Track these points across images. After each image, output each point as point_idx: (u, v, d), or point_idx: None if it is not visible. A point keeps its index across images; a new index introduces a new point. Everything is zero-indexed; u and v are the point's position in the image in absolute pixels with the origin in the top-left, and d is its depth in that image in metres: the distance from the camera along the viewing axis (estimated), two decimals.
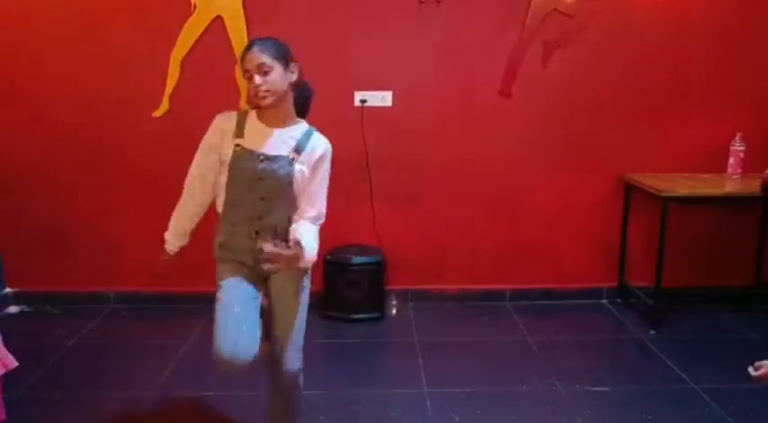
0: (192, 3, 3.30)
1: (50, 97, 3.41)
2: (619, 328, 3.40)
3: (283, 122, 1.97)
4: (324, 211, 2.04)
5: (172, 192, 3.48)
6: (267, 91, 1.87)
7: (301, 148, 1.94)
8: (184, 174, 3.48)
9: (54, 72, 3.39)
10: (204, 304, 3.64)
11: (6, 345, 2.13)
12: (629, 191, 3.54)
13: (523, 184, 3.58)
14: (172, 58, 3.35)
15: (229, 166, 1.93)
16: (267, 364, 2.14)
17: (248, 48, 1.91)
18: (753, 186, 3.21)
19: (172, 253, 2.18)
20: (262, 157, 1.91)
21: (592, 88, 3.46)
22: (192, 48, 3.35)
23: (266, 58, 1.87)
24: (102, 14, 3.32)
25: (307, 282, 2.10)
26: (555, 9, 3.36)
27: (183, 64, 3.36)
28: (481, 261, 3.67)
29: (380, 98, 3.44)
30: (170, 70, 3.36)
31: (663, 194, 3.13)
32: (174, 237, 2.18)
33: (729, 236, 3.65)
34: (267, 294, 2.08)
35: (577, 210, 3.61)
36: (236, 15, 3.30)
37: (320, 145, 1.98)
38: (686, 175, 3.47)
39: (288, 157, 1.93)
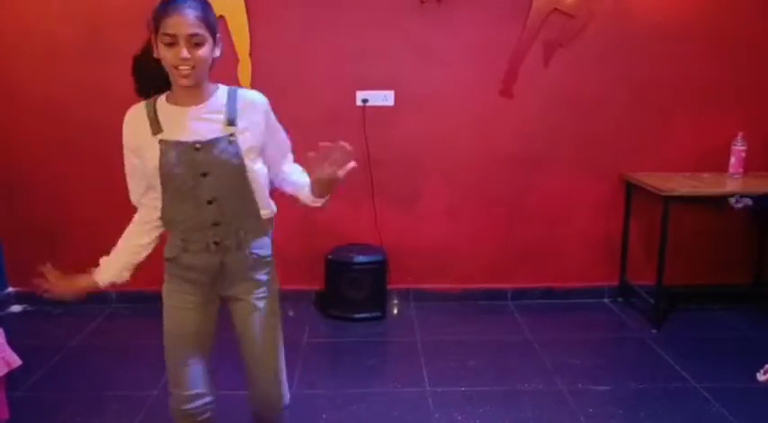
0: None
1: (53, 98, 3.42)
2: (620, 326, 3.41)
3: (203, 96, 1.59)
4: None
5: None
6: (193, 68, 1.50)
7: (234, 116, 1.58)
8: None
9: (57, 72, 3.39)
10: None
11: (9, 344, 2.14)
12: (631, 190, 3.54)
13: (525, 184, 3.58)
14: None
15: (159, 170, 1.56)
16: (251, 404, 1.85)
17: (175, 4, 1.48)
18: (755, 186, 3.21)
19: (101, 286, 1.87)
20: (197, 146, 1.54)
21: (593, 88, 3.47)
22: None
23: (201, 28, 1.49)
24: (104, 14, 3.33)
25: (275, 286, 1.78)
26: (556, 9, 3.36)
27: None
28: (483, 260, 3.67)
29: (382, 98, 3.44)
30: None
31: (664, 194, 3.13)
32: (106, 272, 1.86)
33: (730, 235, 3.65)
34: (232, 316, 1.76)
35: (579, 209, 3.62)
36: (239, 15, 3.30)
37: (252, 99, 1.62)
38: (687, 174, 3.47)
39: (225, 136, 1.56)
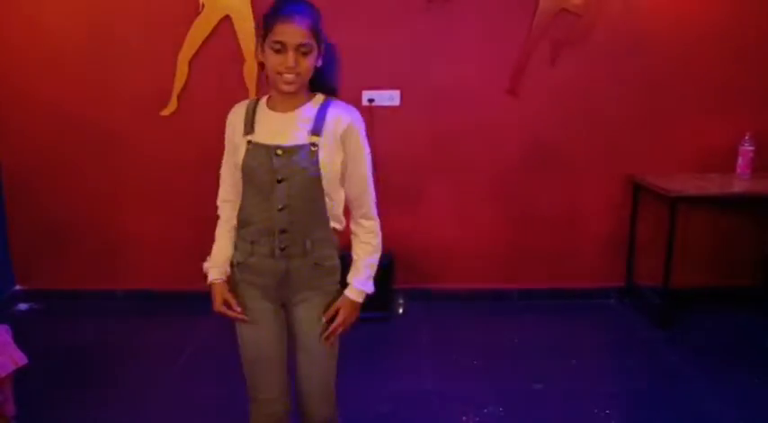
0: (201, 2, 3.31)
1: (59, 97, 3.44)
2: (627, 327, 3.39)
3: (297, 103, 1.62)
4: (374, 208, 1.71)
5: (180, 190, 3.54)
6: (298, 76, 1.53)
7: (320, 128, 1.58)
8: (192, 172, 3.53)
9: (63, 72, 3.41)
10: (212, 302, 3.67)
11: (16, 342, 2.15)
12: (638, 190, 3.52)
13: (531, 183, 3.57)
14: (180, 57, 3.36)
15: (242, 167, 1.62)
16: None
17: (292, 13, 1.50)
18: (762, 186, 3.19)
19: (216, 283, 1.74)
20: (278, 151, 1.57)
21: (600, 88, 3.45)
22: (201, 47, 3.36)
23: (310, 37, 1.51)
24: (111, 14, 3.34)
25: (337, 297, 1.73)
26: (563, 8, 3.35)
27: (191, 63, 3.38)
28: (489, 260, 3.66)
29: (388, 97, 3.44)
30: (178, 70, 3.37)
31: (671, 194, 3.12)
32: (214, 267, 1.75)
33: (738, 236, 3.63)
34: (291, 324, 1.74)
35: (586, 209, 3.60)
36: (245, 15, 3.31)
37: (342, 115, 1.61)
38: (695, 174, 3.46)
39: (307, 144, 1.57)
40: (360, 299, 1.72)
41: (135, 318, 3.50)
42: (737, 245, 3.64)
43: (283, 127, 1.60)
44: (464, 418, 2.49)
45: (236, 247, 1.72)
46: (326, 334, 1.68)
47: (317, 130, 1.58)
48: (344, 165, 1.64)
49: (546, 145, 3.52)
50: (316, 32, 1.53)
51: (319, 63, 1.59)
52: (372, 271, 1.72)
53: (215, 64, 3.38)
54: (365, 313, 1.80)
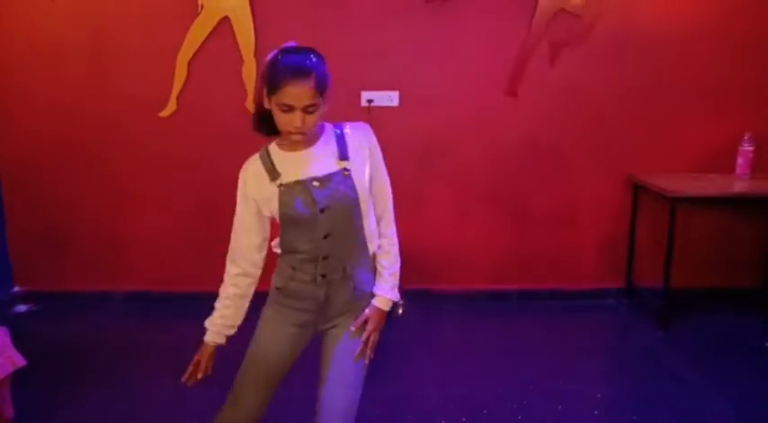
0: (200, 3, 3.31)
1: (59, 99, 3.43)
2: (627, 328, 3.39)
3: (311, 139, 1.64)
4: (394, 225, 1.82)
5: (179, 192, 3.54)
6: (305, 132, 1.56)
7: (345, 152, 1.64)
8: (192, 173, 3.53)
9: (63, 72, 3.41)
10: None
11: (14, 343, 2.15)
12: (637, 191, 3.52)
13: (531, 184, 3.57)
14: (179, 58, 3.36)
15: (279, 210, 1.62)
16: None
17: (296, 76, 1.49)
18: (762, 187, 3.19)
19: (208, 344, 1.79)
20: (315, 182, 1.60)
21: (599, 88, 3.45)
22: (200, 48, 3.36)
23: (317, 96, 1.52)
24: (110, 15, 3.34)
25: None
26: (562, 9, 3.35)
27: (190, 64, 3.37)
28: (488, 261, 3.66)
29: (387, 98, 3.44)
30: (177, 70, 3.37)
31: (671, 195, 3.11)
32: (213, 331, 1.77)
33: (738, 236, 3.63)
34: (323, 345, 1.75)
35: (585, 210, 3.60)
36: (244, 16, 3.31)
37: (359, 136, 1.68)
38: (694, 175, 3.46)
39: (339, 170, 1.62)
40: (387, 307, 1.77)
41: (134, 319, 3.49)
42: (737, 245, 3.64)
43: (308, 162, 1.62)
44: (464, 419, 2.49)
45: (277, 272, 1.74)
46: (362, 344, 1.71)
47: (343, 156, 1.63)
48: (370, 179, 1.69)
49: (545, 145, 3.52)
50: (323, 88, 1.55)
51: (325, 109, 1.60)
52: (397, 280, 1.78)
53: (214, 65, 3.37)
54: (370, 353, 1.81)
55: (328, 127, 1.69)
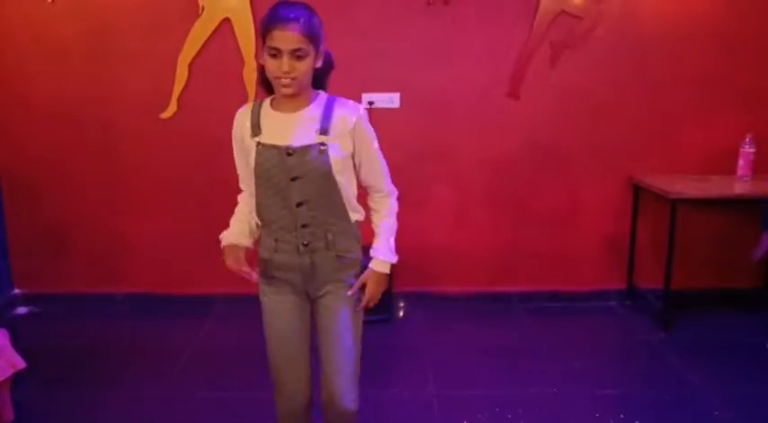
0: (200, 5, 3.31)
1: (60, 99, 3.43)
2: (628, 330, 3.38)
3: (302, 104, 1.67)
4: (389, 185, 1.83)
5: (180, 193, 3.53)
6: (294, 79, 1.57)
7: (327, 126, 1.65)
8: (192, 175, 3.52)
9: (64, 74, 3.40)
10: (211, 305, 3.67)
11: (15, 346, 2.14)
12: (638, 192, 3.52)
13: (532, 186, 3.56)
14: (180, 59, 3.36)
15: (254, 171, 1.67)
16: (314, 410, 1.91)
17: (285, 20, 1.53)
18: (763, 188, 3.18)
19: (228, 245, 1.82)
20: (289, 151, 1.63)
21: (600, 90, 3.45)
22: (201, 50, 3.35)
23: (305, 42, 1.55)
24: (111, 16, 3.34)
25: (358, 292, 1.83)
26: (563, 10, 3.35)
27: (191, 66, 3.37)
28: (489, 263, 3.65)
29: (388, 100, 3.44)
30: (178, 72, 3.37)
31: (672, 196, 3.11)
32: (228, 236, 1.83)
33: (739, 238, 3.62)
34: (315, 317, 1.83)
35: (586, 211, 3.60)
36: (245, 17, 3.31)
37: (348, 113, 1.67)
38: (696, 176, 3.45)
39: (317, 144, 1.63)
40: (386, 270, 1.81)
41: (134, 321, 3.48)
42: (738, 247, 3.63)
43: (290, 127, 1.65)
44: (464, 421, 2.48)
45: (261, 244, 1.79)
46: (362, 308, 1.78)
47: (324, 130, 1.65)
48: (355, 157, 1.72)
49: (546, 147, 3.51)
50: (311, 36, 1.57)
51: (319, 64, 1.64)
52: (392, 242, 1.83)
53: (215, 66, 3.37)
54: (365, 316, 1.85)
55: (323, 96, 1.71)
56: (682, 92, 3.46)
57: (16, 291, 3.65)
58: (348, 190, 1.73)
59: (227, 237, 1.83)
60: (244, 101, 3.39)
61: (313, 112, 1.67)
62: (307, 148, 1.63)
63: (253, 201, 1.75)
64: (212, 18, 3.32)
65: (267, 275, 1.78)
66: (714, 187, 3.25)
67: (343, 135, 1.67)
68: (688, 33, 3.39)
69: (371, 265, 1.80)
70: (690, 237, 3.52)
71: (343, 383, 1.77)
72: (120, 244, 3.60)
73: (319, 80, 1.73)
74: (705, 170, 3.50)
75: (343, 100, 1.72)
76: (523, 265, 3.66)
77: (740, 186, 3.30)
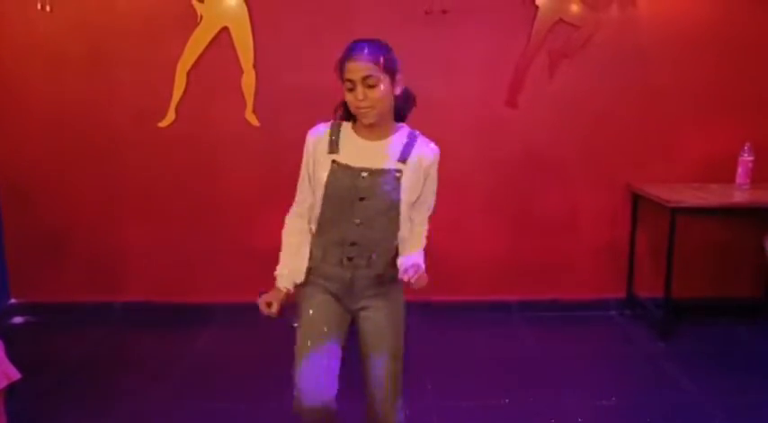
0: (199, 13, 3.31)
1: (58, 107, 3.43)
2: (627, 339, 3.37)
3: (384, 134, 1.77)
4: (428, 219, 1.95)
5: (177, 202, 3.53)
6: (370, 107, 1.67)
7: (406, 157, 1.75)
8: (191, 184, 3.51)
9: (62, 82, 3.40)
10: (210, 315, 3.65)
11: (11, 355, 2.13)
12: (637, 201, 3.51)
13: (530, 195, 3.56)
14: (178, 68, 3.36)
15: (325, 185, 1.73)
16: None
17: (353, 53, 1.67)
18: (762, 196, 3.18)
19: (279, 287, 1.84)
20: (364, 173, 1.71)
21: (598, 98, 3.45)
22: (199, 58, 3.36)
23: (374, 70, 1.66)
24: (109, 24, 3.34)
25: (400, 303, 1.90)
26: (561, 19, 3.35)
27: (189, 75, 3.37)
28: (488, 272, 3.64)
29: None
30: (176, 81, 3.37)
31: (671, 205, 3.11)
32: (288, 276, 1.84)
33: (739, 246, 3.62)
34: (358, 331, 1.85)
35: (585, 220, 3.59)
36: (243, 26, 3.31)
37: (427, 152, 1.81)
38: (695, 185, 3.45)
39: (393, 170, 1.72)
40: (419, 261, 1.76)
41: (132, 330, 3.47)
42: (738, 255, 3.63)
43: (369, 154, 1.74)
44: None
45: (310, 253, 1.83)
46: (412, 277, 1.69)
47: (403, 159, 1.75)
48: (420, 193, 1.82)
49: (544, 155, 3.51)
50: (379, 63, 1.67)
51: (397, 92, 1.76)
52: (421, 259, 1.81)
53: (213, 75, 3.37)
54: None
55: (405, 129, 1.82)
56: (680, 100, 3.46)
57: (12, 300, 3.63)
58: (405, 217, 1.79)
59: (285, 277, 1.83)
60: (242, 110, 3.42)
61: (394, 142, 1.77)
62: (382, 172, 1.72)
63: (309, 214, 1.81)
64: (211, 27, 3.33)
65: (310, 283, 1.83)
66: (713, 196, 3.24)
67: (418, 169, 1.77)
68: (686, 42, 3.40)
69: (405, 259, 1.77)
70: (689, 245, 3.51)
71: (388, 399, 1.85)
72: (117, 252, 3.59)
73: (400, 114, 1.83)
74: (704, 178, 3.50)
75: (425, 138, 1.83)
76: (523, 274, 3.65)
77: (739, 195, 3.30)
